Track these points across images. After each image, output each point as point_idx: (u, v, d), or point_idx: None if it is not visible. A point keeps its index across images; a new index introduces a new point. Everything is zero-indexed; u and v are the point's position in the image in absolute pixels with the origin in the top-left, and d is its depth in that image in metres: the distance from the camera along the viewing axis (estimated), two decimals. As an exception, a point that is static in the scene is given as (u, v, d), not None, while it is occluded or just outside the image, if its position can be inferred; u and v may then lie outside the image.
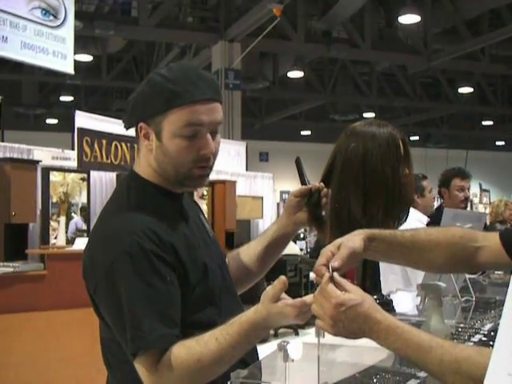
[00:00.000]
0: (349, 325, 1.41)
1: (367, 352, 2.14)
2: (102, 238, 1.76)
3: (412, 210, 4.27)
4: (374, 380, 1.94)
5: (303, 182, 2.06)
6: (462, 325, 2.24)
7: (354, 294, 1.41)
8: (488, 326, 2.36)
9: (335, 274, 1.45)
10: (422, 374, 1.96)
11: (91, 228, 1.94)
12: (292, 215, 2.10)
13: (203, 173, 1.82)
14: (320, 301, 1.44)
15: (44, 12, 8.34)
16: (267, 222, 10.62)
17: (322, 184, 2.05)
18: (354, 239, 1.60)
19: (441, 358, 1.30)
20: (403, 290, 2.95)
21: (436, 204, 6.00)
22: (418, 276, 2.62)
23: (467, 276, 2.72)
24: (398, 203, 2.08)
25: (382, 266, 2.54)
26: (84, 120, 8.25)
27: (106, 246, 1.72)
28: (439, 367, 1.32)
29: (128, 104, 1.85)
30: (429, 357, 1.32)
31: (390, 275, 3.33)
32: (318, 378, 1.87)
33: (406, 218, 2.16)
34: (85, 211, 10.04)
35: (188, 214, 1.90)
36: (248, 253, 2.14)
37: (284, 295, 1.65)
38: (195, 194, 9.89)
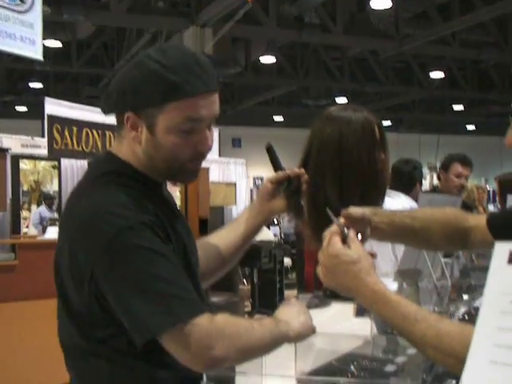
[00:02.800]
0: (338, 278, 1.46)
1: (344, 339, 2.15)
2: (84, 218, 1.60)
3: (404, 197, 4.28)
4: (351, 366, 1.95)
5: (277, 169, 2.02)
6: (437, 309, 2.25)
7: (352, 251, 1.44)
8: (462, 310, 2.39)
9: (351, 230, 1.48)
10: (399, 360, 1.97)
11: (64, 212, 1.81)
12: (266, 202, 2.05)
13: (197, 167, 1.75)
14: (324, 248, 1.48)
15: (10, -5, 8.19)
16: (240, 208, 10.64)
17: (302, 170, 2.01)
18: (360, 209, 1.66)
19: (424, 332, 1.33)
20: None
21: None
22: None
23: (442, 260, 2.74)
24: (373, 188, 2.08)
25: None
26: (54, 107, 8.19)
27: (93, 224, 1.57)
28: (421, 340, 1.34)
29: (111, 88, 1.69)
30: (413, 329, 1.35)
31: (381, 262, 3.34)
32: (294, 366, 1.87)
33: (382, 202, 2.16)
34: (49, 199, 9.96)
35: (169, 201, 1.83)
36: (219, 241, 2.06)
37: None
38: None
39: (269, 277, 8.07)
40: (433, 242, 1.83)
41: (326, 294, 2.35)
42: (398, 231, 1.75)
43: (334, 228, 1.52)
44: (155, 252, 1.53)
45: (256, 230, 2.09)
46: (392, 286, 2.68)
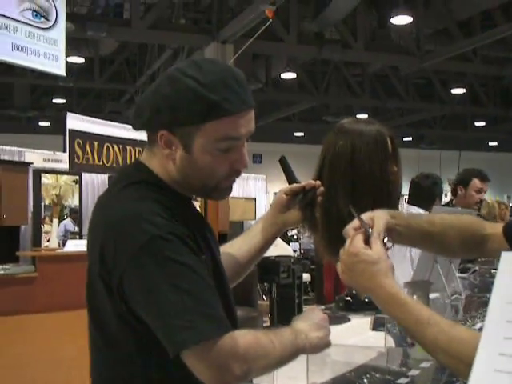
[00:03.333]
0: (355, 276, 1.47)
1: (358, 351, 2.15)
2: (114, 225, 1.55)
3: (423, 212, 4.26)
4: (364, 379, 1.94)
5: (291, 181, 2.02)
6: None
7: (373, 251, 1.45)
8: (478, 325, 2.37)
9: (375, 231, 1.48)
10: (412, 373, 1.97)
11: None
12: (280, 214, 2.04)
13: (231, 184, 1.72)
14: (346, 246, 1.49)
15: (35, 14, 8.27)
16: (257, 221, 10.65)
17: (318, 182, 2.00)
18: (381, 213, 1.64)
19: (436, 336, 1.34)
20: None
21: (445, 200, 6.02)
22: (405, 273, 2.62)
23: (457, 274, 2.73)
24: (385, 201, 2.07)
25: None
26: (76, 122, 8.25)
27: (123, 231, 1.53)
28: (433, 344, 1.35)
29: (142, 104, 1.65)
30: (425, 333, 1.36)
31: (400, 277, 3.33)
32: (306, 378, 1.87)
33: None
34: (75, 213, 10.03)
35: (199, 214, 1.82)
36: (232, 252, 2.03)
37: None
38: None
39: (288, 292, 8.04)
40: (449, 248, 1.83)
41: (339, 306, 2.35)
42: (414, 234, 1.74)
43: (356, 224, 1.52)
44: (184, 265, 1.50)
45: (270, 241, 2.07)
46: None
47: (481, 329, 2.19)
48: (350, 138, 2.08)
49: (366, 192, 2.04)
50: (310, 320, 1.71)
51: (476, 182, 5.34)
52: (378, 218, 1.59)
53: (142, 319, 1.53)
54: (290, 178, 2.03)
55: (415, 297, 1.74)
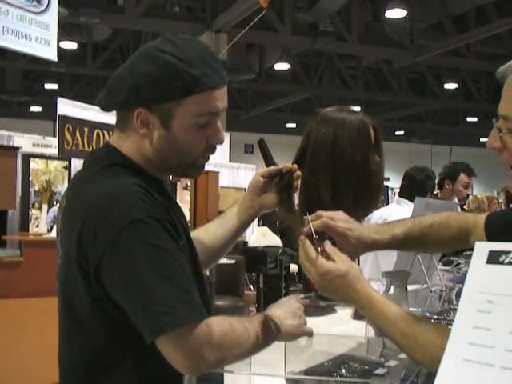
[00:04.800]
0: (334, 292, 1.51)
1: (338, 341, 2.14)
2: (105, 206, 1.51)
3: (405, 202, 4.26)
4: (342, 369, 1.94)
5: (269, 164, 1.98)
6: (427, 314, 2.25)
7: (340, 264, 1.46)
8: (453, 316, 2.37)
9: (327, 243, 1.50)
10: (391, 363, 1.96)
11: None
12: (257, 197, 2.01)
13: (205, 162, 1.71)
14: (307, 266, 1.52)
15: (27, -3, 8.25)
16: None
17: (295, 166, 1.96)
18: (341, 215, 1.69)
19: (402, 332, 1.38)
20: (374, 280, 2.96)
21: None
22: (390, 266, 2.62)
23: (440, 267, 2.73)
24: (367, 191, 2.07)
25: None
26: (66, 107, 8.21)
27: (114, 212, 1.48)
28: (401, 340, 1.40)
29: (116, 83, 1.62)
30: (394, 329, 1.39)
31: (366, 264, 3.34)
32: (284, 367, 1.86)
33: (376, 205, 2.16)
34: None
35: (173, 197, 1.79)
36: (207, 236, 2.00)
37: None
38: (178, 184, 9.86)
39: (275, 282, 8.02)
40: (436, 246, 1.86)
41: (318, 296, 2.34)
42: (401, 243, 1.77)
43: (302, 244, 1.55)
44: (164, 250, 1.49)
45: (246, 225, 2.05)
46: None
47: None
48: (333, 127, 2.07)
49: (347, 181, 2.03)
50: (286, 308, 1.71)
51: (463, 177, 5.35)
52: (336, 219, 1.63)
53: (118, 305, 1.51)
54: (268, 161, 2.00)
55: (393, 287, 1.74)
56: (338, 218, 1.70)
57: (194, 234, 1.95)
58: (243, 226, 2.04)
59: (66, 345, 1.69)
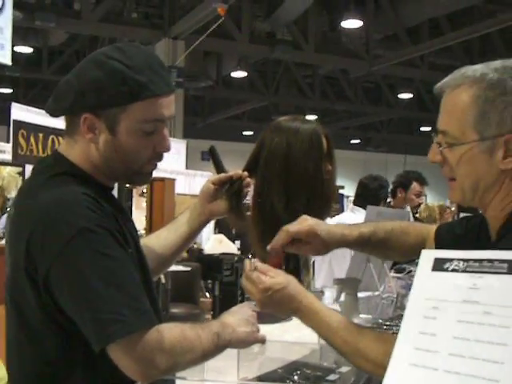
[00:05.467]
0: (277, 306, 1.55)
1: (292, 347, 2.16)
2: (42, 217, 1.51)
3: (359, 210, 4.29)
4: (295, 376, 1.96)
5: (219, 171, 2.01)
6: (380, 320, 2.28)
7: (278, 278, 1.49)
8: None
9: (258, 264, 1.53)
10: (342, 370, 1.99)
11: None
12: (207, 203, 2.03)
13: (152, 169, 1.72)
14: (247, 287, 1.55)
15: (-21, -1, 8.15)
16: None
17: (245, 173, 1.99)
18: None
19: (345, 340, 1.39)
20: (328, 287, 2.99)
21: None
22: (343, 275, 2.65)
23: (392, 274, 2.77)
24: (319, 198, 2.10)
25: (317, 262, 2.58)
26: (21, 113, 8.09)
27: (50, 223, 1.50)
28: (343, 348, 1.44)
29: (64, 89, 1.62)
30: (335, 338, 1.41)
31: (321, 272, 3.37)
32: (237, 373, 1.88)
33: (329, 213, 2.19)
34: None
35: (121, 205, 1.79)
36: (158, 243, 2.01)
37: None
38: (134, 191, 9.80)
39: (230, 290, 8.04)
40: (396, 251, 1.89)
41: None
42: (367, 241, 1.81)
43: (245, 265, 1.59)
44: (112, 258, 1.50)
45: (196, 231, 2.06)
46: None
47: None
48: (286, 136, 2.09)
49: (300, 190, 2.06)
50: (238, 315, 1.72)
51: (415, 186, 5.42)
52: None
53: (67, 314, 1.51)
54: (219, 168, 2.03)
55: (344, 294, 1.77)
56: (302, 221, 1.72)
57: (145, 240, 1.99)
58: (194, 232, 2.05)
59: (15, 354, 1.67)
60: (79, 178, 1.62)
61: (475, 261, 1.04)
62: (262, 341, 1.74)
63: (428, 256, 1.10)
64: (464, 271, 1.04)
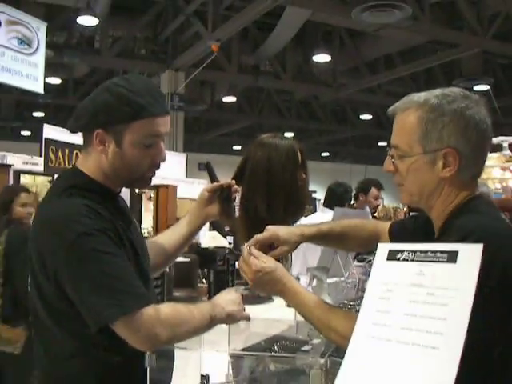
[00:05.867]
0: (265, 285, 1.56)
1: (271, 324, 2.16)
2: (51, 225, 1.57)
3: (327, 211, 4.28)
4: (275, 346, 1.96)
5: (213, 181, 2.03)
6: (345, 301, 2.28)
7: (268, 263, 1.50)
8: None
9: (253, 249, 1.53)
10: (314, 342, 1.99)
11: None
12: (204, 207, 2.04)
13: (152, 175, 1.74)
14: (243, 268, 1.56)
15: (20, 41, 8.23)
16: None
17: (233, 181, 2.01)
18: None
19: (318, 316, 1.40)
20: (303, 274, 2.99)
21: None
22: (315, 263, 2.65)
23: (354, 263, 2.77)
24: (295, 202, 2.10)
25: (293, 254, 2.57)
26: (51, 132, 8.07)
27: (58, 230, 1.54)
28: (317, 323, 1.46)
29: (81, 111, 1.67)
30: (312, 314, 1.42)
31: (297, 261, 3.36)
32: (228, 344, 1.87)
33: (303, 213, 2.18)
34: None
35: (127, 212, 1.81)
36: (164, 241, 2.04)
37: None
38: (144, 196, 9.77)
39: (222, 277, 8.00)
40: (353, 244, 1.91)
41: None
42: (324, 236, 1.82)
43: (244, 251, 1.59)
44: (108, 254, 1.52)
45: (196, 230, 2.08)
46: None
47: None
48: (267, 150, 2.09)
49: (279, 194, 2.06)
50: (227, 297, 1.73)
51: (374, 191, 5.42)
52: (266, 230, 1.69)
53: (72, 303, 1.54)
54: (213, 179, 2.05)
55: (315, 280, 1.77)
56: (267, 230, 1.72)
57: (154, 239, 2.05)
58: (193, 232, 2.07)
59: (42, 335, 1.67)
60: (87, 190, 1.65)
61: (421, 252, 1.04)
62: (247, 318, 1.75)
63: (383, 248, 1.11)
64: (412, 260, 1.05)
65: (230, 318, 1.70)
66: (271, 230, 1.71)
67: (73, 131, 1.75)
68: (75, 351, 1.60)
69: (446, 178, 1.41)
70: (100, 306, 1.48)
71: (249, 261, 1.55)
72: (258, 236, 1.68)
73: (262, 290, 1.59)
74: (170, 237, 2.06)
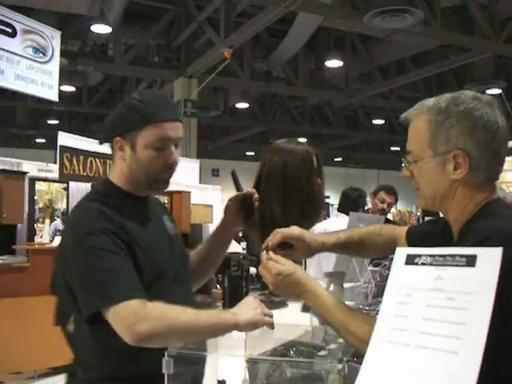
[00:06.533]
0: (286, 288, 1.54)
1: (288, 329, 2.14)
2: (70, 225, 1.78)
3: (342, 216, 4.26)
4: (291, 351, 1.94)
5: (238, 190, 2.06)
6: (360, 306, 2.27)
7: (287, 266, 1.50)
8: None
9: (271, 253, 1.53)
10: (331, 347, 1.97)
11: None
12: (230, 218, 2.09)
13: (168, 177, 1.86)
14: (263, 273, 1.56)
15: (35, 50, 8.33)
16: (216, 225, 10.60)
17: (253, 190, 2.04)
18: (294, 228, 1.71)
19: (339, 320, 1.41)
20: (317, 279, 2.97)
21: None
22: (330, 268, 2.64)
23: (370, 268, 2.75)
24: (311, 207, 2.09)
25: (308, 259, 2.56)
26: (66, 139, 8.12)
27: (72, 229, 1.74)
28: (337, 326, 1.44)
29: (105, 123, 1.86)
30: (333, 318, 1.42)
31: (311, 267, 3.35)
32: (244, 351, 1.86)
33: (318, 218, 2.17)
34: (64, 215, 9.91)
35: (149, 214, 1.89)
36: (201, 252, 2.17)
37: None
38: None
39: (237, 282, 8.00)
40: (371, 251, 1.90)
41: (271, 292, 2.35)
42: (343, 245, 1.81)
43: (263, 257, 1.59)
44: (107, 251, 1.65)
45: (225, 241, 2.17)
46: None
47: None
48: (283, 156, 2.09)
49: (294, 199, 2.05)
50: (243, 305, 1.72)
51: (382, 194, 5.35)
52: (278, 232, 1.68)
53: None
54: (238, 188, 2.09)
55: (332, 284, 1.76)
56: (293, 229, 1.72)
57: (196, 251, 2.19)
58: (225, 241, 2.18)
59: (79, 328, 1.76)
60: (108, 196, 1.82)
61: (440, 256, 1.03)
62: (270, 324, 1.71)
63: (401, 252, 1.10)
64: (431, 264, 1.04)
65: (249, 323, 1.69)
66: (299, 231, 1.71)
67: (100, 143, 1.92)
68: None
69: (459, 180, 1.40)
70: (90, 296, 1.62)
71: (268, 264, 1.54)
72: (286, 231, 1.68)
73: (283, 292, 1.59)
74: (202, 248, 2.18)
